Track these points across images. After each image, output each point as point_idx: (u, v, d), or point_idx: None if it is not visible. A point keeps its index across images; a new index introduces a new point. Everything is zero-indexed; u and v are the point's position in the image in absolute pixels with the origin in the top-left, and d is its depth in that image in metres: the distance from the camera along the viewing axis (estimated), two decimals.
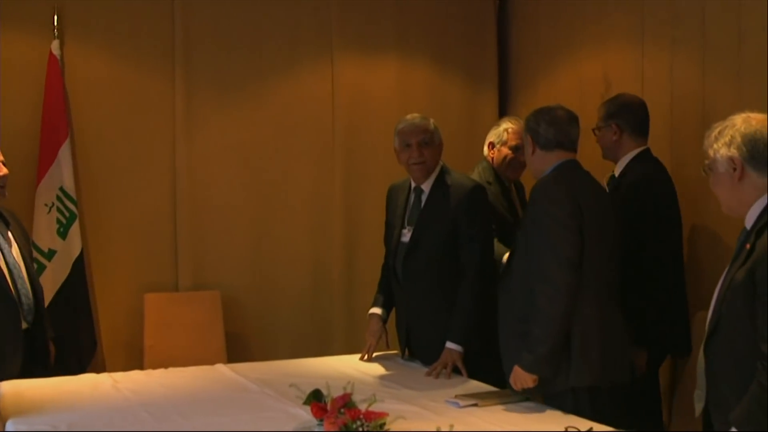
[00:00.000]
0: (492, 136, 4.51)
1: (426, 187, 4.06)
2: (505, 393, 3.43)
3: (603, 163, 4.28)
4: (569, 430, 2.85)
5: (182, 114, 5.28)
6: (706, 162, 2.78)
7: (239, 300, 5.40)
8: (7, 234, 3.91)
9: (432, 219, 4.00)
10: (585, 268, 3.33)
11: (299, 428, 2.98)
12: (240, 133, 5.42)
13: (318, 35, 5.57)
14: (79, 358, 4.85)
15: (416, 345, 4.12)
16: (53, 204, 4.89)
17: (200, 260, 5.32)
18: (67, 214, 4.91)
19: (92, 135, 5.12)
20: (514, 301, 3.47)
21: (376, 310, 4.24)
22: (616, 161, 4.17)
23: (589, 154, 4.08)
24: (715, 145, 2.73)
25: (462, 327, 3.85)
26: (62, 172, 4.92)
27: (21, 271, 3.85)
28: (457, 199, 3.96)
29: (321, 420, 2.88)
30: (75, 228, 4.92)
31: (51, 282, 4.78)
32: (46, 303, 4.30)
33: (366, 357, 4.15)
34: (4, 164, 3.95)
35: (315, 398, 2.99)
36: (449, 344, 3.85)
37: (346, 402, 2.82)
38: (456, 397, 3.37)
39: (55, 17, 4.97)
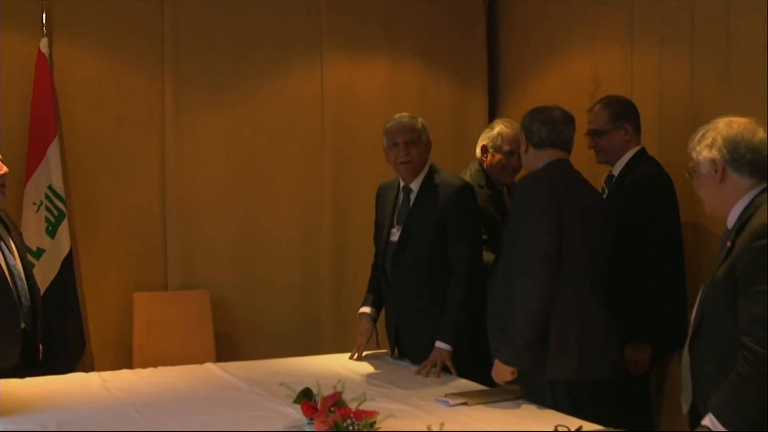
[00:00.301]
0: (485, 140, 4.48)
1: (415, 186, 4.06)
2: (494, 392, 3.45)
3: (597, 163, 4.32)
4: (559, 428, 2.85)
5: (171, 113, 5.27)
6: (690, 164, 2.85)
7: (228, 299, 5.40)
8: (7, 236, 3.90)
9: (421, 218, 4.01)
10: (564, 264, 3.40)
11: (289, 427, 2.98)
12: (229, 132, 5.41)
13: (307, 35, 5.57)
14: (67, 357, 4.83)
15: (405, 344, 4.12)
16: (42, 203, 4.87)
17: (189, 259, 5.31)
18: (56, 213, 4.89)
19: (81, 133, 5.10)
20: (499, 297, 3.53)
21: (366, 309, 4.24)
22: (613, 163, 4.19)
23: (583, 154, 4.10)
24: (698, 148, 2.81)
25: (451, 326, 3.86)
26: (51, 170, 4.90)
27: (21, 273, 3.84)
28: (445, 199, 3.96)
29: (311, 419, 2.88)
30: (64, 227, 4.90)
31: (40, 281, 4.72)
32: None
33: (356, 356, 4.15)
34: (2, 162, 3.93)
35: (305, 397, 3.00)
36: (438, 343, 3.85)
37: (336, 401, 2.82)
38: (446, 395, 3.37)
39: (44, 15, 4.95)
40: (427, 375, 3.78)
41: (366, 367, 4.00)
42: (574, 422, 2.96)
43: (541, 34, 5.55)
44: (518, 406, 3.30)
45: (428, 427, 2.65)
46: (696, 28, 4.41)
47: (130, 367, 4.39)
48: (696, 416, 2.79)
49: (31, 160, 4.88)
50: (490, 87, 6.00)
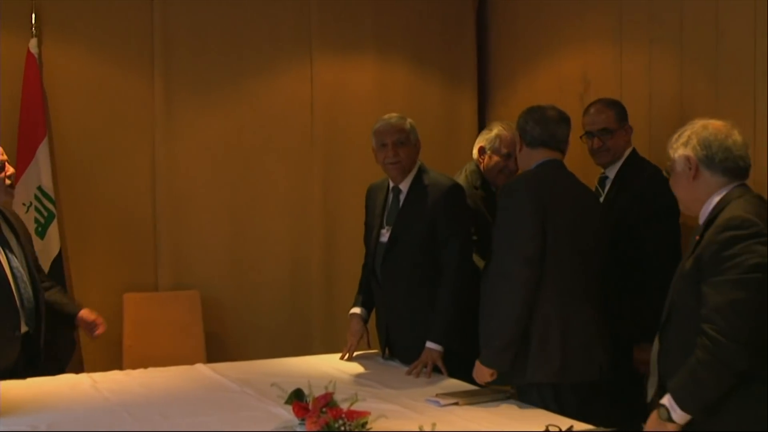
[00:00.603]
0: (483, 141, 4.49)
1: (404, 186, 4.06)
2: (485, 392, 3.45)
3: (592, 164, 4.31)
4: (550, 428, 2.86)
5: (161, 113, 5.26)
6: (669, 163, 2.97)
7: (219, 300, 5.39)
8: (12, 238, 3.89)
9: (410, 219, 4.01)
10: (548, 266, 3.40)
11: (281, 427, 2.98)
12: (219, 132, 5.41)
13: (297, 35, 5.57)
14: (57, 358, 4.81)
15: (396, 344, 4.13)
16: (31, 203, 4.86)
17: (180, 260, 5.31)
18: (46, 214, 4.88)
19: (71, 134, 5.09)
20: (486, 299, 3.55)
21: (357, 310, 4.25)
22: (612, 164, 4.20)
23: (575, 155, 4.11)
24: (674, 146, 2.94)
25: (441, 326, 3.86)
26: (40, 171, 4.89)
27: (24, 276, 3.84)
28: (434, 199, 3.96)
29: (303, 419, 2.88)
30: (53, 227, 4.90)
31: None
32: None
33: (347, 357, 4.15)
34: (8, 163, 3.93)
35: (296, 397, 2.99)
36: (429, 344, 3.85)
37: (327, 401, 2.82)
38: (437, 395, 3.38)
39: (33, 15, 4.93)
40: (418, 375, 3.79)
41: (357, 368, 4.00)
42: (565, 422, 2.97)
43: (531, 34, 5.56)
44: (509, 406, 3.30)
45: (420, 427, 2.66)
46: (685, 28, 4.42)
47: (120, 368, 4.37)
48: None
49: (20, 161, 4.86)
50: (479, 87, 6.01)
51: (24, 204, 4.85)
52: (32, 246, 4.08)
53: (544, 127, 3.57)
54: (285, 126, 5.56)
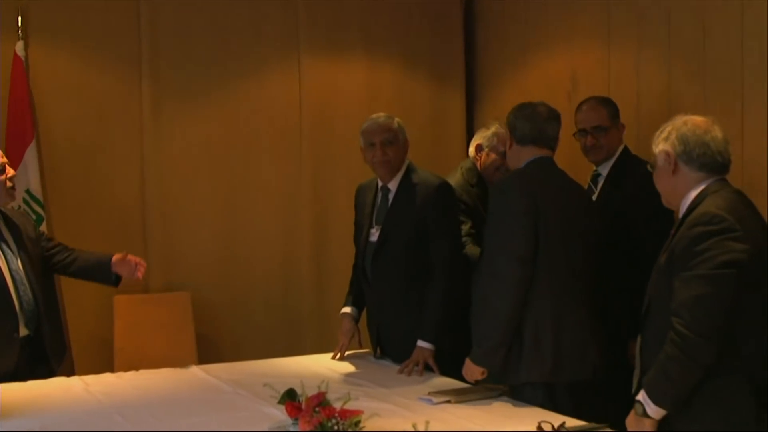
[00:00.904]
0: (481, 139, 4.50)
1: (393, 185, 4.06)
2: (477, 390, 3.46)
3: (583, 162, 4.32)
4: (542, 425, 2.87)
5: (149, 115, 5.25)
6: (652, 159, 3.01)
7: (210, 301, 5.39)
8: (12, 241, 3.87)
9: (399, 218, 4.01)
10: (541, 265, 3.38)
11: (274, 428, 2.98)
12: (208, 134, 5.41)
13: (285, 37, 5.57)
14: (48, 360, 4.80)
15: (387, 343, 4.13)
16: (20, 207, 4.84)
17: (170, 261, 5.30)
18: (34, 217, 4.86)
19: (58, 136, 5.08)
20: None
21: (348, 310, 4.25)
22: (604, 161, 4.21)
23: (566, 152, 4.12)
24: (656, 141, 2.98)
25: (432, 324, 3.87)
26: (28, 174, 4.88)
27: (23, 279, 3.82)
28: (423, 197, 3.96)
29: (296, 419, 2.87)
30: (42, 230, 4.88)
31: None
32: None
33: (338, 356, 4.16)
34: (9, 165, 3.91)
35: (289, 397, 2.99)
36: (420, 342, 3.86)
37: (320, 401, 2.82)
38: (429, 394, 3.39)
39: (19, 18, 4.92)
40: (409, 374, 3.79)
41: (349, 367, 4.01)
42: (558, 419, 2.98)
43: (519, 34, 5.58)
44: (502, 403, 3.32)
45: (413, 425, 2.66)
46: (672, 27, 4.44)
47: (111, 370, 4.37)
48: None
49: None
50: (467, 86, 6.02)
51: (12, 207, 4.83)
52: (39, 245, 4.05)
53: (534, 124, 3.55)
54: (274, 126, 5.56)
